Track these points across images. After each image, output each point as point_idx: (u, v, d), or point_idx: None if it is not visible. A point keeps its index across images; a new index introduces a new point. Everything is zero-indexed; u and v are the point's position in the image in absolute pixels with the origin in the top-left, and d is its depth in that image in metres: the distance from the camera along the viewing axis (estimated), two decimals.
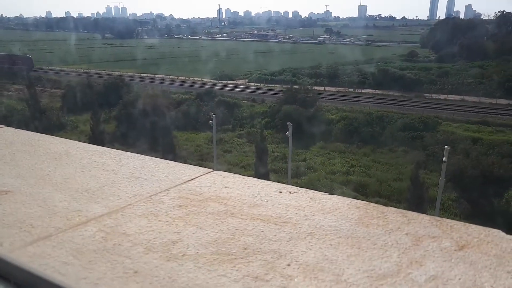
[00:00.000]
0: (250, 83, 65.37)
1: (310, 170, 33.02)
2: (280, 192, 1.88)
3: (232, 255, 1.36)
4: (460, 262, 1.30)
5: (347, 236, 1.47)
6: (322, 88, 57.28)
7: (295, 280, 1.23)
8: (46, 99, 50.88)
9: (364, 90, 58.34)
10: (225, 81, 65.25)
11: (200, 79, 66.54)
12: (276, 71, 68.90)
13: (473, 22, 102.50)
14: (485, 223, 1.59)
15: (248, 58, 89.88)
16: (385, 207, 1.72)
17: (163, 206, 1.75)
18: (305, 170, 32.86)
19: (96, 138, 32.46)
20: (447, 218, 1.64)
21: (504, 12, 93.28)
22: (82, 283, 1.19)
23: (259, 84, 63.72)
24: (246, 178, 2.12)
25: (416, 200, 24.02)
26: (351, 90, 58.75)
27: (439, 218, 1.60)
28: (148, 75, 68.95)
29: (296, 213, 1.66)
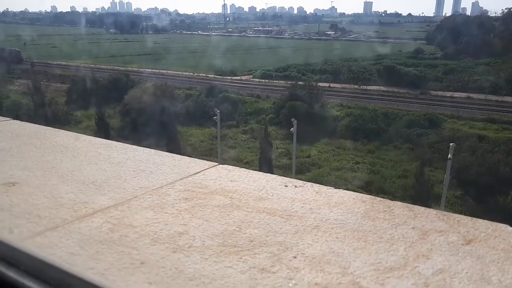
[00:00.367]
0: (254, 79, 65.27)
1: (314, 167, 32.99)
2: (286, 186, 1.88)
3: (238, 247, 1.36)
4: (467, 256, 1.29)
5: (353, 230, 1.47)
6: (327, 84, 57.08)
7: (302, 272, 1.23)
8: (51, 94, 51.09)
9: (369, 87, 58.08)
10: (230, 77, 65.19)
11: (204, 74, 66.52)
12: (281, 67, 68.73)
13: (480, 19, 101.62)
14: (490, 220, 1.58)
15: (253, 54, 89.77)
16: (391, 201, 1.72)
17: (169, 198, 1.75)
18: (309, 166, 32.83)
19: (101, 132, 32.59)
20: (453, 213, 1.63)
21: (511, 9, 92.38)
22: (89, 273, 1.20)
23: (263, 80, 63.62)
24: (251, 171, 2.12)
25: (421, 197, 23.96)
26: (356, 86, 58.51)
27: (445, 213, 1.60)
28: (153, 70, 69.01)
29: (302, 207, 1.66)
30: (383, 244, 1.37)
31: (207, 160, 2.42)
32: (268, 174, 2.08)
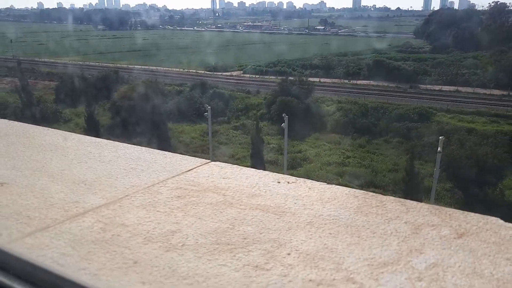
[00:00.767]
0: (245, 75, 65.14)
1: (306, 162, 33.11)
2: (279, 182, 1.87)
3: (232, 245, 1.35)
4: (460, 250, 1.30)
5: (346, 225, 1.47)
6: (317, 79, 57.20)
7: (296, 268, 1.23)
8: (39, 92, 50.41)
9: (359, 81, 58.37)
10: (220, 73, 64.97)
11: (194, 70, 66.19)
12: (271, 62, 68.67)
13: (468, 13, 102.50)
14: (479, 212, 1.60)
15: (243, 50, 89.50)
16: (383, 196, 1.72)
17: (161, 196, 1.74)
18: (301, 161, 32.94)
19: (91, 131, 32.28)
20: (445, 207, 1.64)
21: (498, 3, 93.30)
22: (82, 274, 1.19)
23: (254, 76, 63.52)
24: (244, 168, 2.11)
25: (411, 190, 24.20)
26: (346, 81, 58.75)
27: (437, 207, 1.61)
28: (142, 66, 68.46)
29: (295, 203, 1.65)
30: (376, 239, 1.37)
31: (199, 156, 2.41)
32: (261, 171, 2.08)
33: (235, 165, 2.16)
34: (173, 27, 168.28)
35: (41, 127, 3.03)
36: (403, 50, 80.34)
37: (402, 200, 1.67)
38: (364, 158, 34.07)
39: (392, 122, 40.02)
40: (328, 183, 1.87)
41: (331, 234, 1.42)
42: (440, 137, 21.24)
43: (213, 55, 75.28)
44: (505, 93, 49.62)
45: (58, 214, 1.56)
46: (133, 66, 68.72)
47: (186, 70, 67.05)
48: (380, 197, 1.71)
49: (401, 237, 1.38)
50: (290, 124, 27.03)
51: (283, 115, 25.68)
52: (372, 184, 28.37)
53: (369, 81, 57.46)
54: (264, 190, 1.79)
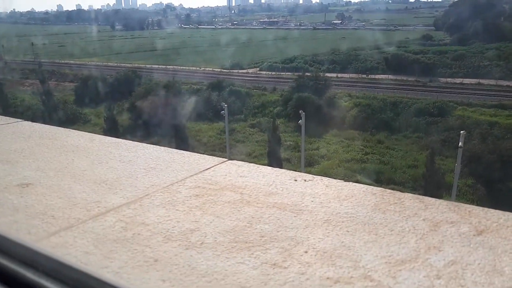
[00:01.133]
0: (261, 72, 65.06)
1: (323, 159, 32.89)
2: (295, 180, 1.88)
3: (250, 243, 1.37)
4: (479, 247, 1.29)
5: (364, 223, 1.47)
6: (334, 74, 56.69)
7: (313, 266, 1.24)
8: (59, 93, 51.54)
9: (377, 76, 57.55)
10: (236, 70, 65.06)
11: (211, 69, 66.48)
12: (288, 58, 68.37)
13: (489, 3, 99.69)
14: (503, 208, 1.57)
15: (259, 46, 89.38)
16: (401, 193, 1.72)
17: (180, 195, 1.77)
18: (318, 158, 32.75)
19: (110, 131, 32.84)
20: (464, 204, 1.62)
21: None
22: (104, 272, 1.23)
23: (270, 73, 63.39)
24: (261, 167, 2.13)
25: (431, 186, 23.78)
26: (364, 76, 58.02)
27: (456, 204, 1.59)
28: (160, 66, 69.17)
29: (312, 201, 1.66)
30: (394, 237, 1.37)
31: (216, 155, 2.44)
32: (277, 169, 2.09)
33: (252, 164, 2.18)
34: (192, 25, 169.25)
35: (62, 128, 3.12)
36: (422, 43, 78.75)
37: (420, 197, 1.66)
38: (383, 154, 33.62)
39: (412, 117, 39.33)
40: (345, 181, 1.87)
41: (348, 232, 1.42)
42: (461, 132, 20.79)
43: (229, 53, 75.45)
44: None
45: (81, 214, 1.62)
46: (150, 65, 69.50)
47: (203, 68, 67.41)
48: (398, 194, 1.70)
49: (419, 234, 1.38)
50: (307, 121, 26.88)
51: (300, 112, 25.55)
52: (391, 181, 27.98)
53: (387, 76, 56.59)
54: (281, 188, 1.80)
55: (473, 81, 51.71)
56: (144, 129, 36.31)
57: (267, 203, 1.66)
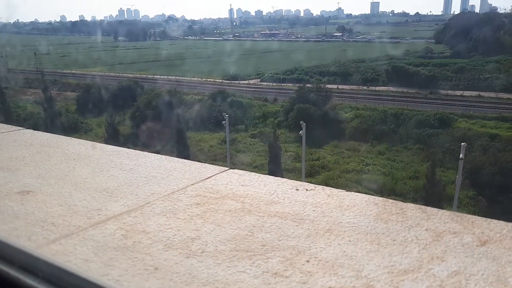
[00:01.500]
0: (262, 83, 65.37)
1: (324, 169, 32.84)
2: (297, 190, 1.88)
3: (251, 252, 1.36)
4: (483, 258, 1.28)
5: (366, 232, 1.46)
6: (335, 86, 56.91)
7: (315, 276, 1.23)
8: (61, 102, 51.76)
9: (378, 88, 57.78)
10: (238, 81, 65.38)
11: (212, 79, 66.83)
12: (288, 70, 68.75)
13: (489, 16, 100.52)
14: (505, 220, 1.56)
15: (260, 58, 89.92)
16: (403, 203, 1.71)
17: (181, 204, 1.77)
18: (319, 169, 32.70)
19: (111, 140, 32.88)
20: (467, 214, 1.61)
21: None
22: (104, 280, 1.21)
23: (271, 84, 63.67)
24: (262, 176, 2.12)
25: (432, 198, 23.69)
26: (364, 88, 58.25)
27: (459, 214, 1.58)
28: (162, 76, 69.54)
29: (314, 210, 1.65)
30: (397, 247, 1.36)
31: (217, 165, 2.44)
32: (279, 178, 2.08)
33: (253, 173, 2.17)
34: (196, 36, 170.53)
35: (63, 136, 3.12)
36: (422, 56, 79.20)
37: (423, 207, 1.65)
38: (384, 165, 33.57)
39: (412, 128, 39.35)
40: (347, 190, 1.87)
41: (350, 241, 1.41)
42: (462, 144, 20.78)
43: (230, 64, 75.93)
44: None
45: (81, 221, 1.61)
46: (152, 76, 69.89)
47: (204, 79, 67.76)
48: (400, 204, 1.69)
49: (422, 244, 1.37)
50: (308, 131, 26.92)
51: (301, 122, 25.60)
52: (392, 192, 27.90)
53: (387, 88, 56.81)
54: (282, 197, 1.79)
55: (474, 93, 51.87)
56: (145, 138, 36.36)
57: (268, 212, 1.65)
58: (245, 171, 2.20)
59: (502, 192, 25.46)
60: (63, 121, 41.96)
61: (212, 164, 2.47)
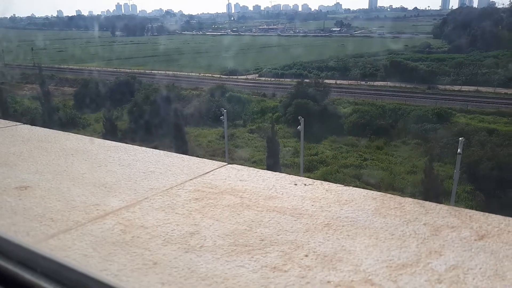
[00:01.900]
0: (260, 78, 65.24)
1: (322, 164, 32.87)
2: (295, 184, 1.88)
3: (250, 246, 1.36)
4: (481, 252, 1.28)
5: (364, 227, 1.47)
6: (333, 81, 56.86)
7: (314, 270, 1.23)
8: (58, 98, 51.55)
9: (376, 83, 57.75)
10: (236, 76, 65.23)
11: (210, 75, 66.65)
12: (287, 65, 68.61)
13: (487, 11, 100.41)
14: (502, 214, 1.56)
15: (258, 53, 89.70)
16: (402, 197, 1.71)
17: (179, 199, 1.76)
18: (317, 164, 32.73)
19: (109, 135, 32.81)
20: (465, 208, 1.62)
21: None
22: (103, 275, 1.21)
23: (270, 79, 63.56)
24: (261, 171, 2.12)
25: (430, 192, 23.77)
26: (362, 83, 58.22)
27: (457, 208, 1.59)
28: (159, 71, 69.31)
29: (312, 205, 1.66)
30: (395, 241, 1.36)
31: (216, 160, 2.43)
32: (277, 173, 2.09)
33: (252, 168, 2.17)
34: (192, 31, 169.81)
35: (61, 132, 3.11)
36: (421, 51, 79.12)
37: (421, 201, 1.66)
38: (382, 160, 33.62)
39: (410, 123, 39.40)
40: (345, 185, 1.87)
41: (349, 236, 1.41)
42: (460, 138, 20.84)
43: (228, 59, 75.70)
44: None
45: (80, 217, 1.60)
46: (150, 71, 69.64)
47: (202, 74, 67.57)
48: (399, 198, 1.70)
49: (420, 238, 1.37)
50: (306, 126, 26.92)
51: (299, 117, 25.60)
52: (390, 187, 27.96)
53: (386, 82, 56.80)
54: (281, 192, 1.79)
55: (472, 88, 51.93)
56: (143, 133, 36.29)
57: (267, 207, 1.65)
58: (243, 166, 2.20)
59: (500, 186, 25.57)
60: (61, 116, 41.80)
61: (210, 159, 2.46)
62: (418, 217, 1.51)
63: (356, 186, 1.91)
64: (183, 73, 68.02)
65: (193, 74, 67.63)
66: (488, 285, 1.13)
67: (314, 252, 1.32)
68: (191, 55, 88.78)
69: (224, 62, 72.05)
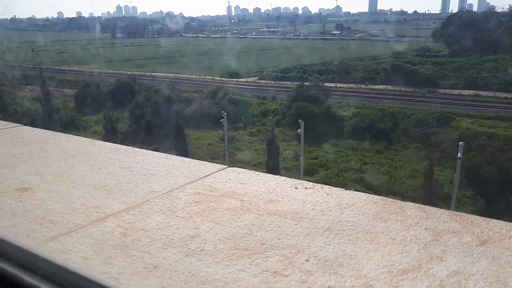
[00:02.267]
0: (260, 81, 65.30)
1: (322, 168, 32.86)
2: (296, 188, 1.87)
3: (250, 250, 1.36)
4: (482, 257, 1.28)
5: (365, 231, 1.46)
6: (333, 84, 56.91)
7: (315, 275, 1.23)
8: (59, 99, 51.57)
9: (376, 86, 57.80)
10: (236, 79, 65.29)
11: (210, 77, 66.70)
12: (287, 68, 68.69)
13: (487, 15, 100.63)
14: (503, 219, 1.56)
15: (258, 56, 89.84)
16: (403, 202, 1.71)
17: (180, 202, 1.76)
18: (317, 167, 32.72)
19: (109, 137, 32.81)
20: (466, 213, 1.61)
21: None
22: (103, 278, 1.21)
23: (269, 82, 63.61)
24: (261, 174, 2.12)
25: (430, 197, 23.76)
26: (362, 86, 58.27)
27: (458, 213, 1.58)
28: (159, 73, 69.37)
29: (313, 209, 1.65)
30: (396, 246, 1.36)
31: (215, 162, 2.43)
32: (278, 176, 2.08)
33: (252, 171, 2.17)
34: (192, 34, 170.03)
35: (61, 133, 3.11)
36: (420, 54, 79.23)
37: (422, 206, 1.65)
38: (382, 164, 33.62)
39: (411, 127, 39.41)
40: (346, 189, 1.86)
41: (350, 240, 1.41)
42: (460, 143, 20.85)
43: (229, 61, 75.78)
44: None
45: (80, 219, 1.60)
46: (150, 73, 69.72)
47: (203, 76, 67.63)
48: (400, 203, 1.69)
49: (421, 243, 1.37)
50: (307, 130, 26.93)
51: (299, 121, 25.61)
52: (390, 191, 27.94)
53: (386, 86, 56.84)
54: (281, 196, 1.79)
55: (472, 92, 51.98)
56: (143, 135, 36.30)
57: (267, 211, 1.65)
58: (244, 169, 2.19)
59: (500, 191, 25.56)
60: (61, 117, 41.82)
61: (211, 162, 2.46)
62: (419, 222, 1.51)
63: (357, 190, 1.91)
64: (183, 75, 68.08)
65: (193, 76, 67.68)
66: None
67: (315, 256, 1.31)
68: (191, 57, 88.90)
69: (224, 64, 72.14)
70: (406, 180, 30.45)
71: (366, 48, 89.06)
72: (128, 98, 44.55)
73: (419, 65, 64.49)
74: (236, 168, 2.22)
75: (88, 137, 3.31)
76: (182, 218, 1.60)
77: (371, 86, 57.72)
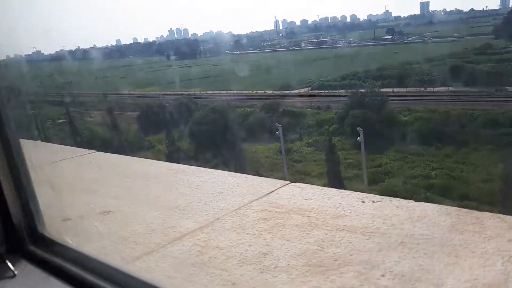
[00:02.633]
0: (313, 91, 64.80)
1: (387, 176, 31.62)
2: (363, 202, 1.85)
3: (324, 267, 1.37)
4: None
5: (441, 245, 1.41)
6: (390, 89, 55.00)
7: None
8: (123, 122, 54.78)
9: (436, 89, 54.96)
10: (288, 91, 65.31)
11: (262, 91, 67.32)
12: (340, 76, 67.61)
13: None
14: None
15: (309, 66, 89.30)
16: (479, 212, 1.63)
17: (248, 219, 1.81)
18: (382, 175, 31.56)
19: (172, 156, 34.21)
20: None
21: None
22: None
23: (322, 91, 62.92)
24: (325, 188, 2.12)
25: (511, 202, 21.92)
26: (422, 89, 55.74)
27: None
28: (214, 92, 71.27)
29: (383, 223, 1.63)
30: (477, 259, 1.30)
31: (274, 175, 2.47)
32: (343, 190, 2.07)
33: (316, 186, 2.18)
34: (242, 50, 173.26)
35: (131, 157, 3.33)
36: (482, 52, 74.32)
37: (502, 216, 1.57)
38: (453, 169, 31.67)
39: (479, 128, 36.92)
40: (416, 201, 1.81)
41: (425, 254, 1.37)
42: None
43: (279, 74, 76.04)
44: None
45: (159, 239, 1.71)
46: (205, 92, 71.83)
47: (254, 91, 68.44)
48: (476, 213, 1.62)
49: (505, 256, 1.30)
50: (366, 137, 26.21)
51: (358, 128, 25.00)
52: (465, 197, 26.08)
53: (447, 88, 53.88)
54: (348, 211, 1.78)
55: None
56: (203, 153, 37.42)
57: (336, 226, 1.65)
58: (306, 184, 2.20)
59: None
60: (127, 140, 44.35)
61: (270, 175, 2.51)
62: (500, 233, 1.43)
63: (427, 198, 1.84)
64: (237, 91, 69.35)
65: (245, 91, 68.73)
66: None
67: (390, 271, 1.29)
68: (243, 73, 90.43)
69: (275, 77, 72.51)
70: (482, 184, 28.41)
71: (422, 51, 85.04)
72: (186, 117, 46.27)
73: (482, 63, 60.50)
74: (299, 183, 2.23)
75: (153, 157, 3.50)
76: (252, 236, 1.65)
77: (431, 89, 55.02)
